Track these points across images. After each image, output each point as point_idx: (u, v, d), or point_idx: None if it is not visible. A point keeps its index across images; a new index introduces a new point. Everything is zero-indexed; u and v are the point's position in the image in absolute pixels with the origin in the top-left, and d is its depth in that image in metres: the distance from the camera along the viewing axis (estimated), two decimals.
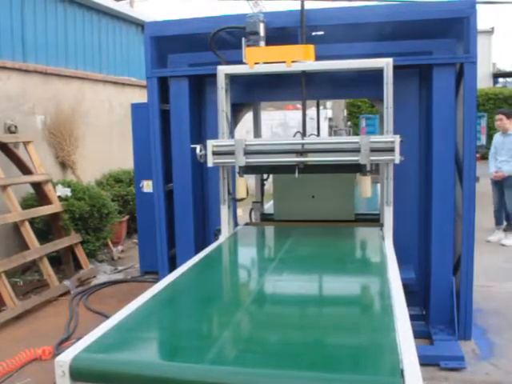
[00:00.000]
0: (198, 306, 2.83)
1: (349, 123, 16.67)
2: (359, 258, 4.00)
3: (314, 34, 4.48)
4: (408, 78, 4.63)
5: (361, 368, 1.96)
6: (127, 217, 8.50)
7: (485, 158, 8.67)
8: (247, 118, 6.04)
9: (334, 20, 4.45)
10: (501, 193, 8.38)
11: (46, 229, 6.77)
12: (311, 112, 8.08)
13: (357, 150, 3.88)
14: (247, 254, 4.27)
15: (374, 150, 3.87)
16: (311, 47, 4.23)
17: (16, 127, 7.00)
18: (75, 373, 1.99)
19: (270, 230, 5.03)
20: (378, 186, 5.38)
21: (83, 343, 2.14)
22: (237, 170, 4.16)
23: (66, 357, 2.01)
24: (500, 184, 8.32)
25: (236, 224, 4.95)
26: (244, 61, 4.25)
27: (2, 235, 6.56)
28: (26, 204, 6.77)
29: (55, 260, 6.68)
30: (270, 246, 4.62)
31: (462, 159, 4.42)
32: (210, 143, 4.15)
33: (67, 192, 6.92)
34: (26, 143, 6.79)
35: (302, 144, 4.07)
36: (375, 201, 5.89)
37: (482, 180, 9.23)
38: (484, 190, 8.47)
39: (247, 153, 4.07)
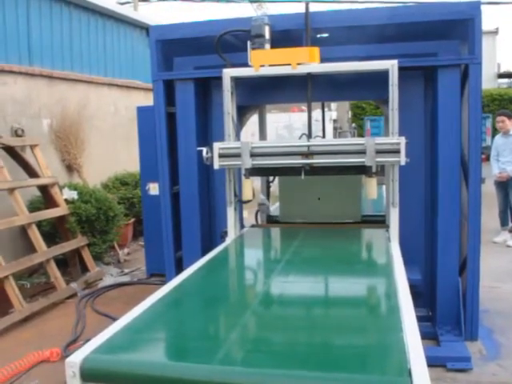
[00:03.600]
0: (206, 307, 2.84)
1: (353, 125, 16.66)
2: (366, 260, 4.01)
3: (318, 36, 4.50)
4: (413, 80, 4.63)
5: (368, 368, 1.97)
6: (133, 219, 8.53)
7: (490, 159, 8.65)
8: (252, 120, 6.06)
9: (338, 22, 4.46)
10: (505, 194, 8.36)
11: (53, 232, 6.81)
12: (316, 114, 8.10)
13: (362, 152, 3.90)
14: (254, 256, 4.29)
15: (379, 152, 3.88)
16: (316, 49, 4.24)
17: (23, 131, 7.04)
18: (85, 373, 2.02)
19: (276, 231, 5.04)
20: (384, 187, 5.39)
21: (93, 344, 2.16)
22: (243, 172, 4.17)
23: (77, 358, 2.03)
24: (504, 185, 8.30)
25: (242, 226, 4.97)
26: (249, 63, 4.27)
27: (10, 238, 6.60)
28: (33, 207, 6.81)
29: (62, 263, 6.70)
30: (276, 248, 4.63)
31: (468, 160, 4.42)
32: (217, 146, 4.17)
33: (74, 195, 6.95)
34: (32, 146, 6.84)
35: (308, 146, 4.09)
36: (381, 202, 5.90)
37: (488, 181, 9.21)
38: (489, 191, 8.45)
39: (253, 155, 4.09)
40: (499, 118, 8.34)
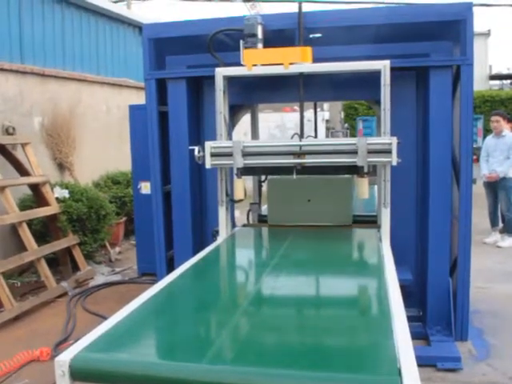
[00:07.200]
0: (196, 307, 2.83)
1: (346, 125, 16.71)
2: (357, 260, 4.01)
3: (311, 36, 4.50)
4: (405, 80, 4.64)
5: (359, 367, 1.97)
6: (125, 218, 8.50)
7: (479, 159, 8.66)
8: (245, 119, 6.05)
9: (331, 22, 4.47)
10: (494, 194, 8.38)
11: (44, 230, 6.78)
12: (309, 114, 8.11)
13: (354, 152, 3.90)
14: (245, 256, 4.28)
15: (371, 152, 3.89)
16: (309, 49, 4.25)
17: (14, 129, 7.00)
18: (75, 372, 2.00)
19: (267, 231, 5.02)
20: (376, 187, 5.38)
21: (83, 343, 2.14)
22: (235, 171, 4.17)
23: (66, 356, 2.02)
24: (493, 186, 8.32)
25: (234, 225, 4.96)
26: (242, 63, 4.26)
27: (0, 237, 6.55)
28: (24, 205, 6.76)
29: (53, 261, 6.67)
30: (267, 248, 4.62)
31: (459, 161, 4.44)
32: (208, 145, 4.16)
33: (65, 193, 6.92)
34: (23, 145, 6.79)
35: (300, 146, 4.09)
36: (373, 202, 5.89)
37: (479, 182, 9.25)
38: (481, 192, 8.48)
39: (245, 154, 4.08)
40: (494, 118, 8.31)
